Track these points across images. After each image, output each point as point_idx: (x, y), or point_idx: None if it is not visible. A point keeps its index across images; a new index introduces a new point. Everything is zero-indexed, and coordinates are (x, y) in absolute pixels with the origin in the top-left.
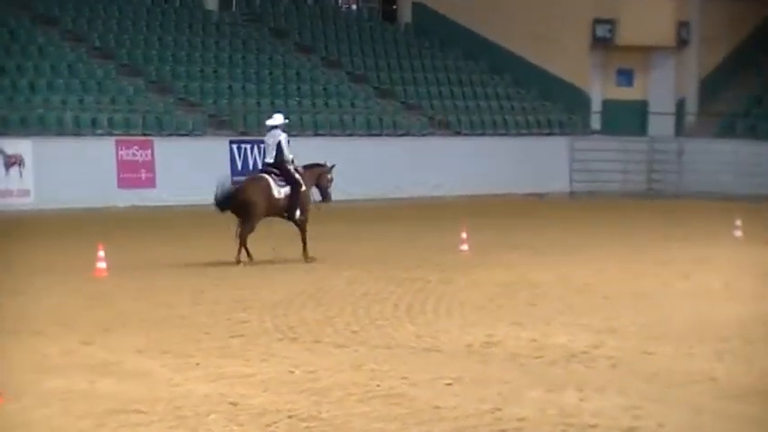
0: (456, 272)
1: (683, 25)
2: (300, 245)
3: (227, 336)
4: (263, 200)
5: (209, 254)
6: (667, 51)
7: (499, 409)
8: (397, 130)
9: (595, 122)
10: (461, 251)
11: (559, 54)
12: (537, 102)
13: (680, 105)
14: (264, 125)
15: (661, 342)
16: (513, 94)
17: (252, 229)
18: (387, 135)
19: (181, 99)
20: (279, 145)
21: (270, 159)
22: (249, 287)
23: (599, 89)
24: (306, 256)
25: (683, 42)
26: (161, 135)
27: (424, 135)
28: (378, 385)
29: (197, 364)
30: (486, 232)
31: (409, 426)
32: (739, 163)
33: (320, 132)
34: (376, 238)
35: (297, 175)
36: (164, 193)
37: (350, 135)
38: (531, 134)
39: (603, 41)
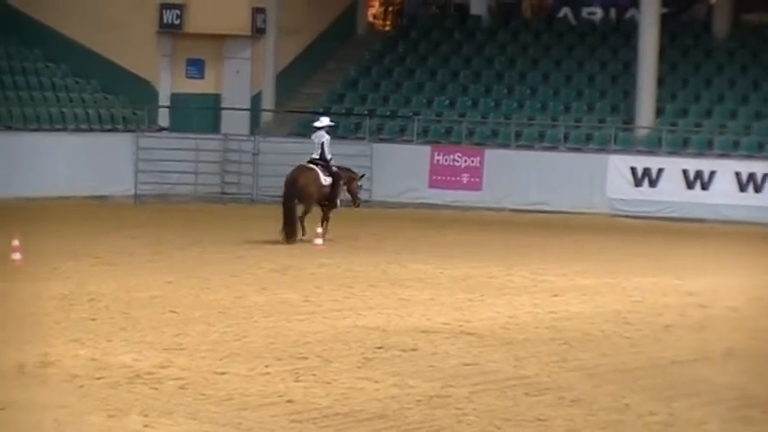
0: (3, 282)
1: (258, 12)
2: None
3: None
4: (315, 186)
5: None
6: (242, 41)
7: None
8: None
9: (163, 118)
10: (14, 260)
11: (123, 42)
12: (98, 94)
13: (255, 100)
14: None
15: (234, 361)
16: (72, 85)
17: (309, 211)
18: None
19: None
20: (323, 145)
21: (316, 156)
22: None
23: (168, 81)
24: (325, 234)
25: (259, 31)
26: None
27: None
28: None
29: None
30: (41, 239)
31: None
32: None
33: None
34: None
35: (336, 170)
36: None
37: None
38: (91, 130)
39: (172, 28)
